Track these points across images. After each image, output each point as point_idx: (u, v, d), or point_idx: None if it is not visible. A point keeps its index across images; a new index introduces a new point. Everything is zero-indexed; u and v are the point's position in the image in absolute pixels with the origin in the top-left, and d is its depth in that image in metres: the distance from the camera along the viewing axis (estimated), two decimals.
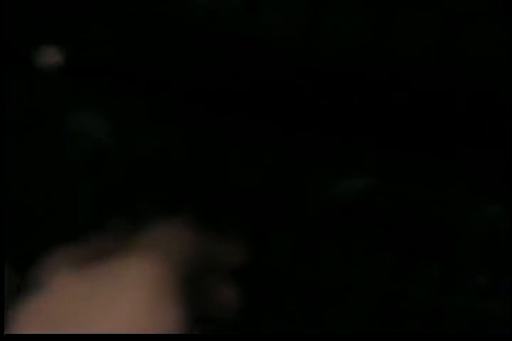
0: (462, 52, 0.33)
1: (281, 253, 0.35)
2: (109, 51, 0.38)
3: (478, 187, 0.34)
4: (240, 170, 0.36)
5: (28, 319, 0.27)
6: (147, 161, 0.37)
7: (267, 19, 0.36)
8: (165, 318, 0.28)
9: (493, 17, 0.32)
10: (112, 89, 0.37)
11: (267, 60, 0.36)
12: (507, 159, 0.33)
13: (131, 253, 0.29)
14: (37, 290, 0.28)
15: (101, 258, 0.30)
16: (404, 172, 0.34)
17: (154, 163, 0.37)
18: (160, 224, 0.32)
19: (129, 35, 0.38)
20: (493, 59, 0.32)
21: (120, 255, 0.29)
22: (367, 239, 0.36)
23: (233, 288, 0.33)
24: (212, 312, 0.32)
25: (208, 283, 0.31)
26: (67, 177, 0.38)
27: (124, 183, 0.38)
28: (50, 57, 0.36)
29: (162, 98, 0.37)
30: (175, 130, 0.37)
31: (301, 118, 0.35)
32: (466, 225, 0.35)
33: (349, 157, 0.35)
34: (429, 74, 0.33)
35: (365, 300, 0.38)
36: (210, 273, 0.32)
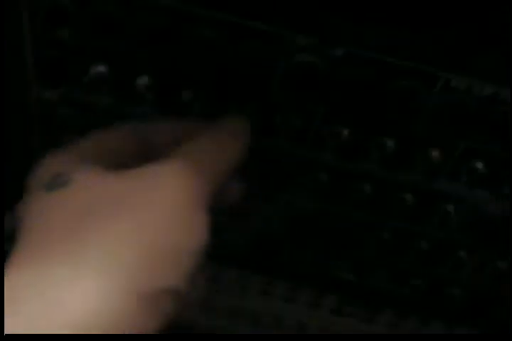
0: None
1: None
2: None
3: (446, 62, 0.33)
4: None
5: (52, 211, 0.26)
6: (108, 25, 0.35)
7: None
8: (194, 223, 0.27)
9: None
10: None
11: None
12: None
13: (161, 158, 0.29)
14: (62, 186, 0.27)
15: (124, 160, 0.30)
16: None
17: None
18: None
19: None
20: None
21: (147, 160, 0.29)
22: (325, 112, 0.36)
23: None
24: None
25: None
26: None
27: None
28: None
29: None
30: None
31: None
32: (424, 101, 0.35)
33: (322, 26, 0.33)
34: None
35: (317, 176, 0.40)
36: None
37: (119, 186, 0.26)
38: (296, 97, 0.36)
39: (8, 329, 0.21)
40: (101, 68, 0.37)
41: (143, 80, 0.37)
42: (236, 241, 0.45)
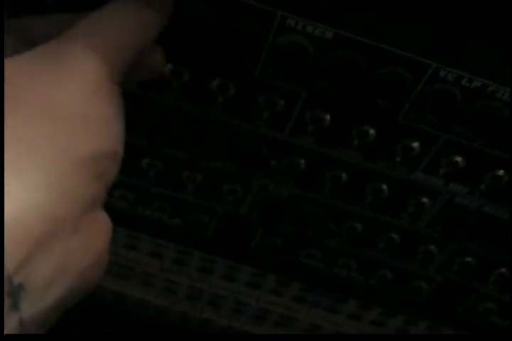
0: None
1: None
2: None
3: None
4: None
5: None
6: None
7: None
8: (108, 93, 0.27)
9: None
10: None
11: None
12: None
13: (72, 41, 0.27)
14: None
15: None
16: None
17: None
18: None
19: None
20: None
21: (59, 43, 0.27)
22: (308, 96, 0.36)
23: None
24: None
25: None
26: None
27: None
28: None
29: None
30: None
31: None
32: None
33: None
34: None
35: (294, 161, 0.39)
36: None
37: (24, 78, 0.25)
38: (280, 79, 0.35)
39: None
40: None
41: None
42: (203, 223, 0.44)
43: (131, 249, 0.49)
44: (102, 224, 0.27)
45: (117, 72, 0.28)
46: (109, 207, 0.44)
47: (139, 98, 0.38)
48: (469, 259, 0.42)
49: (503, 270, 0.42)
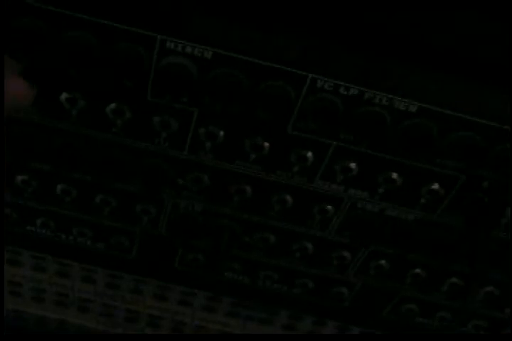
0: None
1: None
2: None
3: None
4: None
5: None
6: None
7: None
8: None
9: None
10: None
11: None
12: None
13: None
14: None
15: None
16: None
17: None
18: None
19: None
20: None
21: None
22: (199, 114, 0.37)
23: None
24: None
25: None
26: None
27: None
28: None
29: None
30: None
31: None
32: None
33: None
34: None
35: (198, 177, 0.40)
36: None
37: None
38: (170, 99, 0.37)
39: None
40: None
41: None
42: (125, 245, 0.45)
43: (64, 277, 0.50)
44: None
45: None
46: (32, 236, 0.46)
47: (42, 127, 0.39)
48: (383, 262, 0.43)
49: (418, 270, 0.43)
